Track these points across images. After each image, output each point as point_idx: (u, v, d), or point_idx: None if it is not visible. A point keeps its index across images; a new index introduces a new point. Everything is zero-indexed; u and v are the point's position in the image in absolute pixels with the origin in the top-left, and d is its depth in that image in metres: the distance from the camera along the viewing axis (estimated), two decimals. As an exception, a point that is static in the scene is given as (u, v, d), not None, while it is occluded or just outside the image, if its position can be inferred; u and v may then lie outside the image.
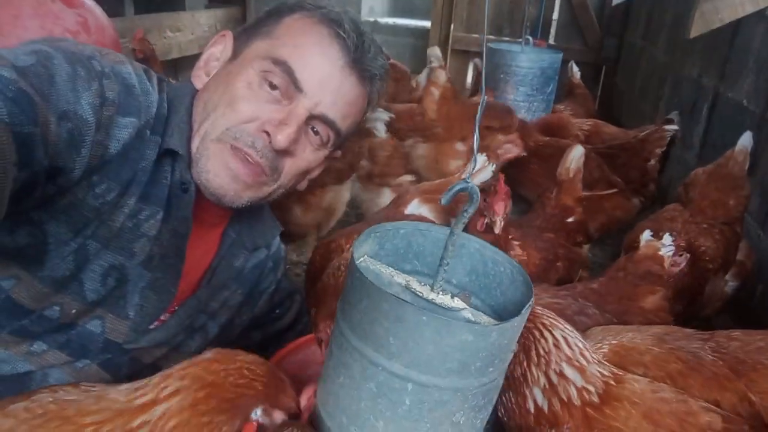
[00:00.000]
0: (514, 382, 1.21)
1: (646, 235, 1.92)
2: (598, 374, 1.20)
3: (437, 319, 0.90)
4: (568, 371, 1.18)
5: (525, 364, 1.20)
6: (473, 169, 1.28)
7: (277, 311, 1.87)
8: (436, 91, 3.08)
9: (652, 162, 3.17)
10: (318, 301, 1.43)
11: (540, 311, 1.25)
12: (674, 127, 3.16)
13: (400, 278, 1.11)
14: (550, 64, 3.84)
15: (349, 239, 1.64)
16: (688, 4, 3.67)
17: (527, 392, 1.18)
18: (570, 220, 2.36)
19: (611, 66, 5.94)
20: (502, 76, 3.82)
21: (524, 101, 3.89)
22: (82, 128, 1.12)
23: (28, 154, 0.96)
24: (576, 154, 2.43)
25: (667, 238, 1.89)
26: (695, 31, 2.78)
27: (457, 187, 0.98)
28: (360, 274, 0.95)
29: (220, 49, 1.43)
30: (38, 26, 2.63)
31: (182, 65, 5.41)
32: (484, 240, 1.17)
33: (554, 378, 1.17)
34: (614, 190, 3.02)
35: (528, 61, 3.77)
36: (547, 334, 1.20)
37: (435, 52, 3.30)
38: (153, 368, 1.40)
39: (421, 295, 1.07)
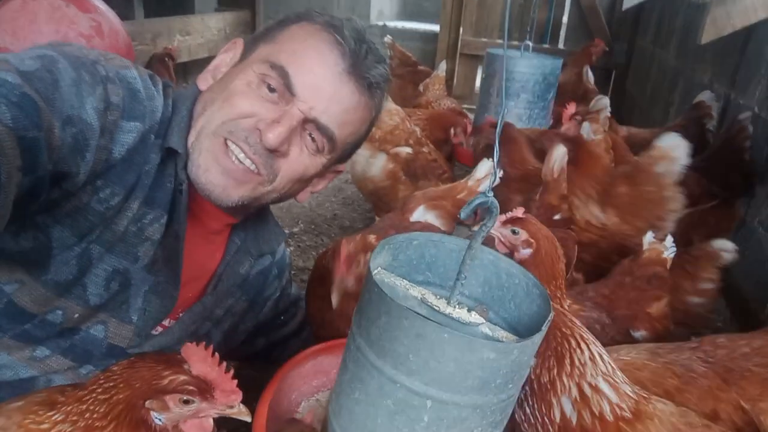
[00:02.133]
0: (539, 389, 1.16)
1: (649, 237, 1.91)
2: (631, 393, 1.17)
3: (460, 336, 0.88)
4: (604, 387, 1.14)
5: (555, 371, 1.15)
6: (493, 182, 1.26)
7: (282, 318, 1.86)
8: None
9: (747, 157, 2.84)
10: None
11: (577, 323, 1.22)
12: (748, 113, 2.87)
13: (415, 291, 1.09)
14: (552, 70, 3.67)
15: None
16: (699, 9, 3.64)
17: (554, 400, 1.14)
18: (557, 217, 2.37)
19: (621, 70, 5.91)
20: (505, 82, 3.67)
21: (525, 108, 3.68)
22: (87, 133, 1.11)
23: (33, 159, 0.95)
24: (559, 154, 2.40)
25: (669, 240, 1.89)
26: (707, 37, 2.74)
27: (477, 201, 0.96)
28: (379, 290, 0.92)
29: (230, 56, 1.44)
30: (53, 30, 2.65)
31: (192, 69, 5.42)
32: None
33: (587, 390, 1.13)
34: (715, 201, 2.85)
35: (530, 67, 3.55)
36: (584, 346, 1.16)
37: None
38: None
39: (437, 309, 1.04)
